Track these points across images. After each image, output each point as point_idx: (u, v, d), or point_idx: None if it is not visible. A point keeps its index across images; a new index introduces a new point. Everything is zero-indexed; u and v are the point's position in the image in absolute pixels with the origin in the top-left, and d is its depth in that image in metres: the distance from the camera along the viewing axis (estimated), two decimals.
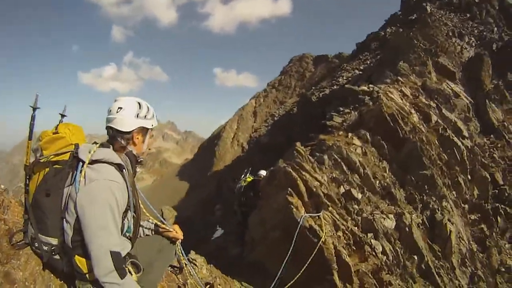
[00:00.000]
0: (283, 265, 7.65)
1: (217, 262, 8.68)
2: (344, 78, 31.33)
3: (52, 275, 2.71)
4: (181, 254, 3.65)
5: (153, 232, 3.34)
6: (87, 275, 2.41)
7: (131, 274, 2.62)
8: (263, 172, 12.23)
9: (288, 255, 7.87)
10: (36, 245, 2.48)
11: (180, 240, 3.45)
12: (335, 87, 30.10)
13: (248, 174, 12.29)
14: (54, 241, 2.45)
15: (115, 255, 2.30)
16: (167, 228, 3.36)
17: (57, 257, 2.49)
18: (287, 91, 68.05)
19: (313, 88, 38.85)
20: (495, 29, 24.33)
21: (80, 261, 2.41)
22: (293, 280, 7.61)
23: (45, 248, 2.46)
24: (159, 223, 3.37)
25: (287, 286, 7.50)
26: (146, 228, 3.32)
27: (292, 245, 8.09)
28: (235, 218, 13.34)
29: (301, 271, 7.76)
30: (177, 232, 3.38)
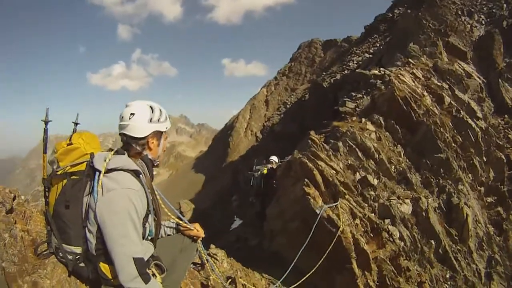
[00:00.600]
0: (298, 255, 7.67)
1: (237, 254, 8.74)
2: (355, 62, 31.17)
3: (79, 281, 2.77)
4: (202, 252, 3.70)
5: (174, 231, 3.39)
6: (112, 281, 2.48)
7: (155, 276, 2.68)
8: (274, 158, 12.50)
9: (304, 245, 7.89)
10: (61, 255, 2.54)
11: (201, 238, 3.51)
12: (346, 72, 29.99)
13: (264, 165, 12.37)
14: (78, 250, 2.50)
15: (138, 261, 2.35)
16: (188, 226, 3.41)
17: (82, 265, 2.55)
18: (297, 77, 67.75)
19: (324, 73, 38.71)
20: (505, 5, 23.87)
21: (104, 267, 2.47)
22: (313, 270, 7.65)
23: (70, 257, 2.52)
24: (180, 222, 3.42)
25: (305, 276, 7.54)
26: (167, 227, 3.37)
27: (310, 236, 8.11)
28: (253, 209, 13.44)
29: (320, 262, 7.80)
30: (198, 231, 3.43)
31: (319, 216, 8.45)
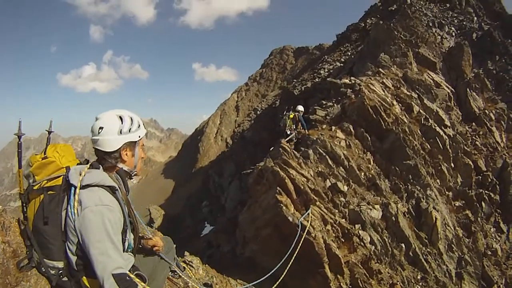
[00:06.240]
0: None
1: (211, 260, 8.78)
2: (326, 70, 31.43)
3: None
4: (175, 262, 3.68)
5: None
6: None
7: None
8: (300, 107, 14.52)
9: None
10: (43, 270, 2.50)
11: (159, 251, 3.50)
12: (316, 79, 30.19)
13: (290, 112, 14.20)
14: (60, 264, 2.46)
15: (117, 277, 2.27)
16: (150, 236, 3.41)
17: (65, 279, 2.50)
18: (268, 84, 68.16)
19: (295, 81, 38.93)
20: (475, 18, 24.60)
21: (87, 281, 2.44)
22: (283, 274, 7.70)
23: (52, 271, 2.47)
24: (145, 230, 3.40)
25: (278, 281, 7.58)
26: None
27: (294, 246, 8.17)
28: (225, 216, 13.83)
29: (288, 267, 7.83)
30: (157, 242, 3.43)
31: (299, 230, 8.52)
